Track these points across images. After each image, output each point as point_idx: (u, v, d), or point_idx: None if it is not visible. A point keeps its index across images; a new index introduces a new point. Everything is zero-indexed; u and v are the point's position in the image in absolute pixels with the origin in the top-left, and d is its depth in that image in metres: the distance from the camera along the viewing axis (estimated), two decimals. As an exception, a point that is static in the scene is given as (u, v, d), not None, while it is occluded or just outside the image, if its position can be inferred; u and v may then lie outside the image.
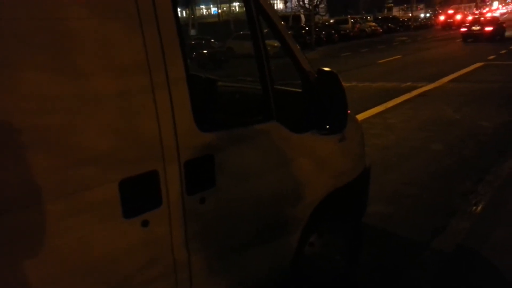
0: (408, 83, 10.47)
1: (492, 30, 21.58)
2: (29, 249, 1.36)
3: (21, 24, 1.29)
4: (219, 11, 46.09)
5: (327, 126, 2.30)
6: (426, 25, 41.81)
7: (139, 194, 1.60)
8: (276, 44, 2.23)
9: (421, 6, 63.56)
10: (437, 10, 54.76)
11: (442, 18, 37.58)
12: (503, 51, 15.84)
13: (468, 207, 3.81)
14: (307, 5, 29.10)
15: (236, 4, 45.14)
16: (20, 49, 1.29)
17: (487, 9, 50.80)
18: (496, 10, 48.10)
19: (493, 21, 23.15)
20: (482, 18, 23.54)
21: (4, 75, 1.26)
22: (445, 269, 2.96)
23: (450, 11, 38.79)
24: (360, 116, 7.02)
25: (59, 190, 1.39)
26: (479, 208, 3.77)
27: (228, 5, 46.58)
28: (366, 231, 3.24)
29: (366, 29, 32.43)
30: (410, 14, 43.81)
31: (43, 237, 1.37)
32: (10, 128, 1.28)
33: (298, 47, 2.32)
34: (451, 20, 35.48)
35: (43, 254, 1.38)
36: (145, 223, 1.62)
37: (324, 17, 39.60)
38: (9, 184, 1.29)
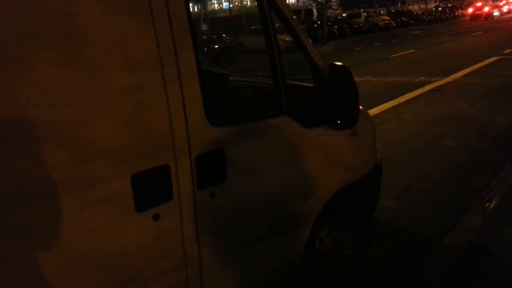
0: (422, 78, 10.33)
1: None
2: (43, 241, 1.38)
3: (35, 19, 1.30)
4: (231, 5, 45.98)
5: (339, 121, 2.29)
6: (441, 18, 41.15)
7: (150, 188, 1.61)
8: (288, 38, 2.22)
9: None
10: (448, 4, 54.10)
11: (470, 10, 39.20)
12: (520, 45, 15.51)
13: (481, 203, 3.76)
14: (319, -1, 28.85)
15: (247, -2, 44.96)
16: (34, 44, 1.30)
17: (504, 1, 49.94)
18: None
19: None
20: None
21: (18, 70, 1.28)
22: (457, 266, 2.93)
23: (479, 4, 40.56)
24: (372, 111, 6.96)
25: (72, 184, 1.41)
26: (492, 205, 3.72)
27: (239, -1, 46.41)
28: (377, 226, 3.23)
29: (379, 23, 32.04)
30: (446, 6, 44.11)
31: (57, 230, 1.40)
32: (24, 123, 1.30)
33: (310, 41, 2.31)
34: (479, 12, 36.68)
35: (56, 246, 1.40)
36: (156, 217, 1.64)
37: (336, 11, 39.26)
38: (23, 178, 1.31)
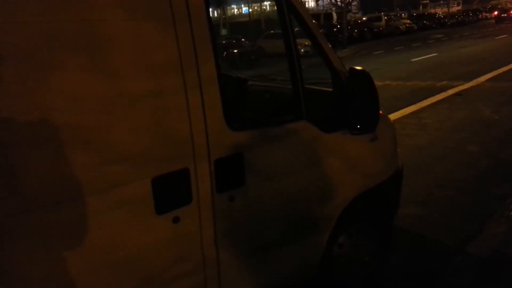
0: (444, 82, 10.16)
1: None
2: (65, 242, 1.41)
3: (60, 26, 1.34)
4: (250, 10, 46.22)
5: (358, 126, 2.28)
6: (464, 21, 40.41)
7: (170, 191, 1.63)
8: (307, 42, 2.22)
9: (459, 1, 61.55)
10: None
11: (496, 13, 39.79)
12: (546, 49, 15.09)
13: (505, 211, 3.66)
14: (339, 3, 28.72)
15: (267, 3, 45.12)
16: (59, 50, 1.34)
17: None
18: None
19: None
20: None
21: (45, 75, 1.32)
22: (480, 275, 2.86)
23: (504, 6, 40.78)
24: (393, 116, 6.88)
25: (95, 186, 1.43)
26: (517, 212, 3.63)
27: (259, 4, 46.61)
28: (398, 233, 3.18)
29: (400, 27, 31.65)
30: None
31: (79, 231, 1.43)
32: (49, 126, 1.33)
33: (330, 46, 2.30)
34: (505, 14, 37.02)
35: (79, 247, 1.43)
36: (176, 220, 1.65)
37: (357, 15, 39.01)
38: (48, 180, 1.35)
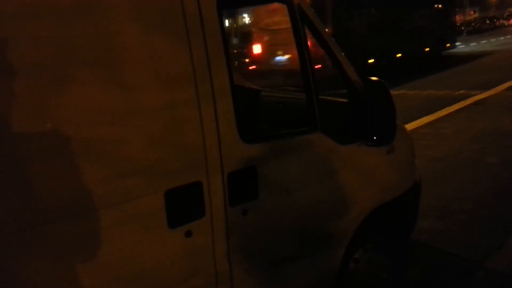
0: (462, 91, 10.00)
1: None
2: (78, 255, 1.40)
3: (75, 40, 1.34)
4: (265, 19, 46.49)
5: (374, 137, 2.23)
6: (481, 29, 39.90)
7: (183, 205, 1.62)
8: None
9: (475, 9, 60.86)
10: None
11: None
12: None
13: (527, 225, 3.56)
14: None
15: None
16: (74, 64, 1.35)
17: None
18: None
19: None
20: None
21: (60, 89, 1.32)
22: (502, 292, 2.77)
23: None
24: (409, 126, 6.77)
25: (108, 199, 1.43)
26: (540, 227, 3.51)
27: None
28: (415, 248, 3.10)
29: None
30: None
31: (92, 245, 1.42)
32: (63, 139, 1.33)
33: (344, 55, 2.27)
34: None
35: (91, 261, 1.42)
36: (188, 234, 1.63)
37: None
38: (61, 193, 1.34)
